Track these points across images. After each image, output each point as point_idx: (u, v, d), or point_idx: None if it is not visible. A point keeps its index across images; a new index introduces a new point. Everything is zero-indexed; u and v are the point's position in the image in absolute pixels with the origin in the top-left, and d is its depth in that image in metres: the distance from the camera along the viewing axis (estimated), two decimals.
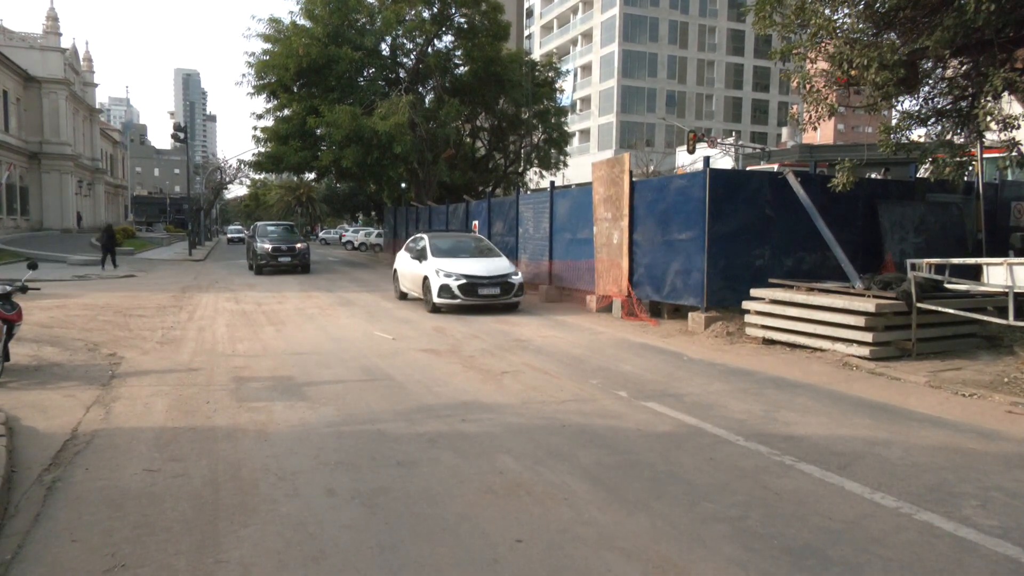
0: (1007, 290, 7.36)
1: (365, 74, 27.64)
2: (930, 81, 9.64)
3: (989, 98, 8.17)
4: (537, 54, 59.95)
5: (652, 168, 40.18)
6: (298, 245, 23.45)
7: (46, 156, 45.09)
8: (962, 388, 6.89)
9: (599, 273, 13.19)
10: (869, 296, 8.55)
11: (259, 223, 27.04)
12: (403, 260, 15.18)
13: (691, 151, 27.46)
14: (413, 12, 26.44)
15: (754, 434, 5.45)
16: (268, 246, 22.76)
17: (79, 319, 11.44)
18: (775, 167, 16.17)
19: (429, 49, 27.95)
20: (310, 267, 24.07)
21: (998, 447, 5.23)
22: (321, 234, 61.31)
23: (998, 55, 8.12)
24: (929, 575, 3.29)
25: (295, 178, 52.29)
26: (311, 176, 35.42)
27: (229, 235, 57.68)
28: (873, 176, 16.62)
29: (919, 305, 8.19)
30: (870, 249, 11.07)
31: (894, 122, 9.73)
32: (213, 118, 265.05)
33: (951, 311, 8.23)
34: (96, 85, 59.12)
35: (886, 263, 10.80)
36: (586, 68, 68.14)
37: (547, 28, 76.42)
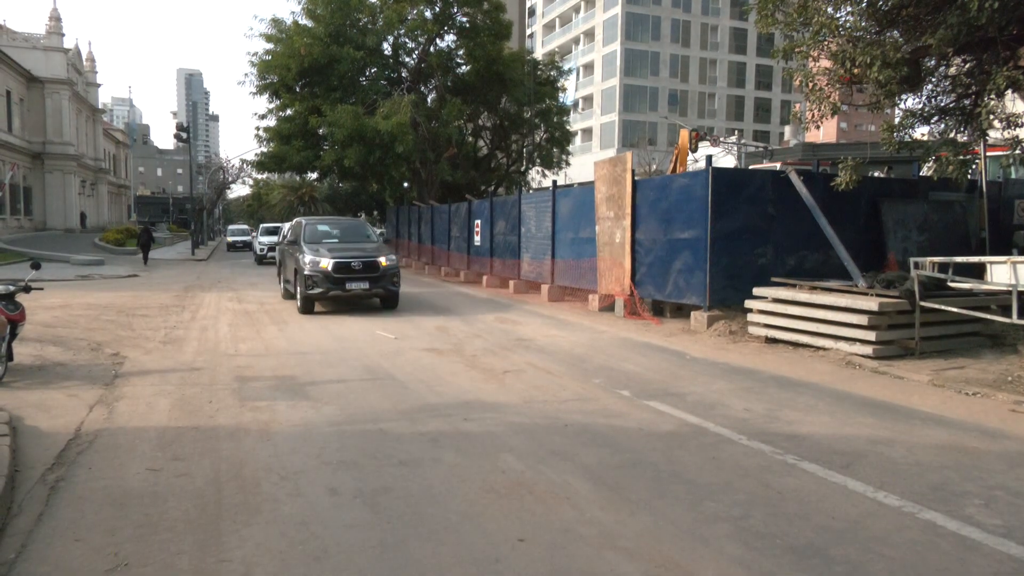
0: (1011, 288, 7.34)
1: (367, 73, 27.68)
2: (933, 79, 9.62)
3: (992, 96, 8.15)
4: (539, 53, 59.90)
5: (654, 167, 40.13)
6: (381, 259, 12.82)
7: (49, 156, 45.21)
8: (965, 387, 6.87)
9: (601, 272, 13.18)
10: (872, 295, 8.53)
11: (304, 220, 15.07)
12: None
13: (693, 149, 27.39)
14: (415, 11, 26.45)
15: (757, 433, 5.44)
16: (327, 260, 12.46)
17: (82, 319, 11.47)
18: (778, 166, 16.13)
19: (431, 48, 27.97)
20: (399, 299, 13.58)
21: (1001, 446, 5.21)
22: None
23: (1001, 53, 8.10)
24: (932, 574, 3.28)
25: (297, 178, 51.20)
26: (313, 176, 35.42)
27: (230, 238, 44.04)
28: (876, 174, 16.59)
29: (922, 304, 8.18)
30: (873, 248, 11.05)
31: (897, 120, 9.71)
32: (216, 118, 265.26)
33: (954, 310, 8.21)
34: (99, 85, 59.23)
35: (889, 262, 10.78)
36: (588, 67, 68.07)
37: (549, 27, 76.36)
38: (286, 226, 20.27)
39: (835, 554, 3.45)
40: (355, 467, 4.64)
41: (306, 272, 12.40)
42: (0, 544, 3.53)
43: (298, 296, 12.76)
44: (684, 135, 15.54)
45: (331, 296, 12.53)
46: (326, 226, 14.86)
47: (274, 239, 26.57)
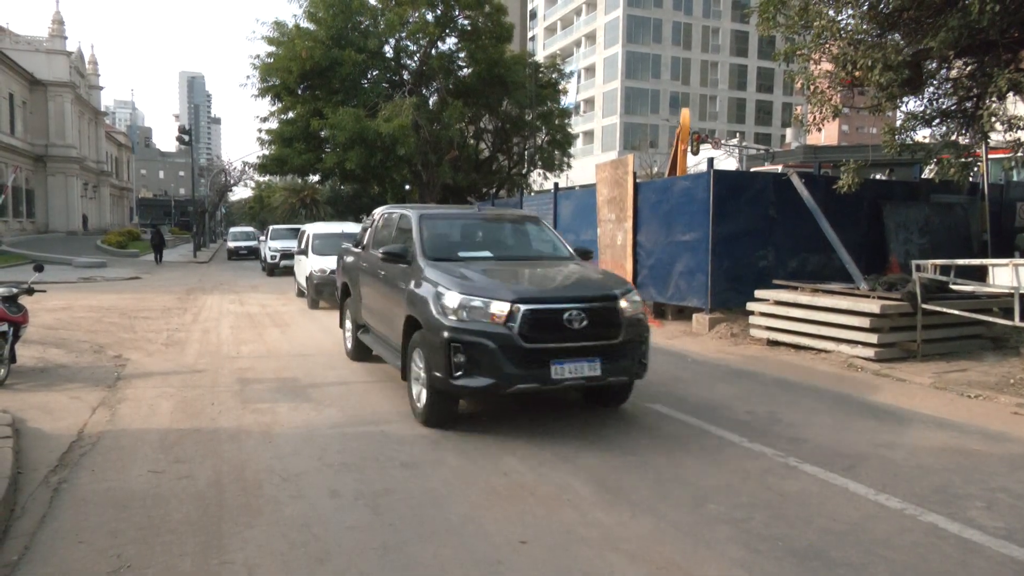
0: (1013, 291, 7.34)
1: (369, 76, 27.69)
2: (934, 82, 9.62)
3: (994, 99, 8.16)
4: (541, 56, 59.85)
5: (656, 169, 40.14)
6: (622, 303, 5.54)
7: (52, 159, 45.29)
8: (967, 389, 6.87)
9: None
10: (874, 297, 8.53)
11: (411, 211, 6.93)
12: None
13: (695, 152, 27.46)
14: (416, 14, 26.48)
15: (758, 435, 5.44)
16: (502, 304, 5.18)
17: (84, 321, 11.49)
18: (779, 168, 16.15)
19: (432, 51, 27.99)
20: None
21: (1004, 449, 5.21)
22: None
23: (1003, 56, 8.10)
24: None
25: (299, 180, 50.96)
26: (315, 178, 35.40)
27: (232, 243, 36.47)
28: (877, 177, 16.59)
29: (924, 306, 8.17)
30: (874, 250, 11.05)
31: (899, 123, 9.73)
32: (218, 120, 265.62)
33: (956, 312, 8.21)
34: (101, 88, 59.39)
35: (891, 264, 10.77)
36: (590, 69, 68.13)
37: (551, 30, 76.44)
38: (337, 227, 16.02)
39: (837, 557, 3.45)
40: (357, 469, 4.64)
41: (447, 334, 5.22)
42: (3, 546, 3.54)
43: (421, 386, 5.72)
44: (685, 115, 15.48)
45: (514, 392, 5.28)
46: (457, 224, 7.38)
47: (290, 244, 22.15)
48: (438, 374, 5.29)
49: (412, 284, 5.96)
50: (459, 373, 5.17)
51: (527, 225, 7.49)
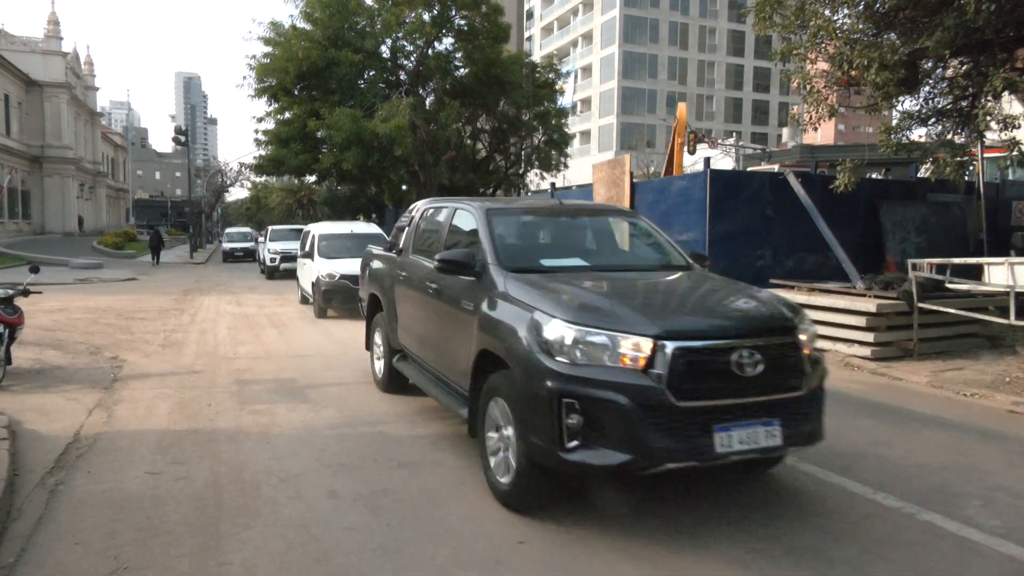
0: (1008, 290, 7.36)
1: (365, 77, 27.67)
2: (930, 81, 9.65)
3: (989, 98, 8.18)
4: (537, 56, 59.87)
5: (652, 169, 40.15)
6: (801, 336, 3.86)
7: (48, 160, 45.17)
8: (964, 388, 6.89)
9: None
10: (870, 296, 8.55)
11: (472, 206, 5.26)
12: None
13: (691, 151, 27.47)
14: (413, 14, 26.47)
15: None
16: (639, 339, 3.52)
17: (81, 322, 11.46)
18: (776, 168, 16.18)
19: (429, 51, 27.98)
20: None
21: (1000, 447, 5.22)
22: None
23: (998, 55, 8.13)
24: None
25: (296, 181, 50.65)
26: (312, 179, 35.34)
27: (228, 244, 35.42)
28: (874, 176, 16.62)
29: (920, 305, 8.19)
30: (871, 249, 11.07)
31: (895, 122, 9.73)
32: (214, 121, 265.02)
33: (952, 311, 8.23)
34: (97, 89, 59.22)
35: (887, 263, 10.80)
36: (586, 69, 68.17)
37: (547, 30, 76.47)
38: (345, 227, 14.60)
39: (835, 556, 3.46)
40: (355, 469, 4.64)
41: (553, 384, 3.57)
42: (0, 548, 3.52)
43: (502, 452, 4.08)
44: (682, 109, 15.48)
45: (661, 472, 3.59)
46: (536, 222, 5.64)
47: (291, 246, 20.51)
48: (538, 441, 3.62)
49: (485, 305, 4.32)
50: (574, 443, 3.50)
51: (624, 222, 5.75)
